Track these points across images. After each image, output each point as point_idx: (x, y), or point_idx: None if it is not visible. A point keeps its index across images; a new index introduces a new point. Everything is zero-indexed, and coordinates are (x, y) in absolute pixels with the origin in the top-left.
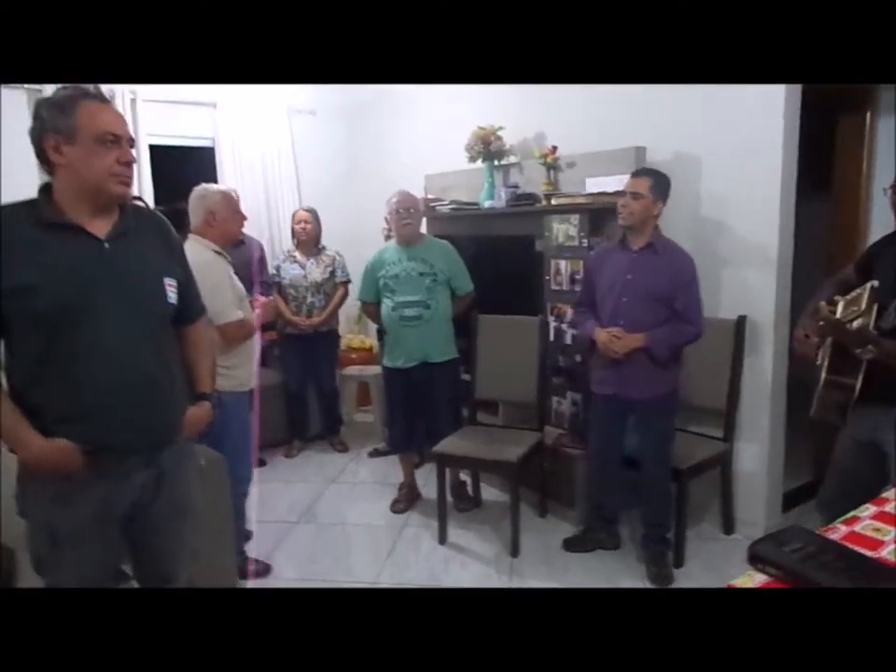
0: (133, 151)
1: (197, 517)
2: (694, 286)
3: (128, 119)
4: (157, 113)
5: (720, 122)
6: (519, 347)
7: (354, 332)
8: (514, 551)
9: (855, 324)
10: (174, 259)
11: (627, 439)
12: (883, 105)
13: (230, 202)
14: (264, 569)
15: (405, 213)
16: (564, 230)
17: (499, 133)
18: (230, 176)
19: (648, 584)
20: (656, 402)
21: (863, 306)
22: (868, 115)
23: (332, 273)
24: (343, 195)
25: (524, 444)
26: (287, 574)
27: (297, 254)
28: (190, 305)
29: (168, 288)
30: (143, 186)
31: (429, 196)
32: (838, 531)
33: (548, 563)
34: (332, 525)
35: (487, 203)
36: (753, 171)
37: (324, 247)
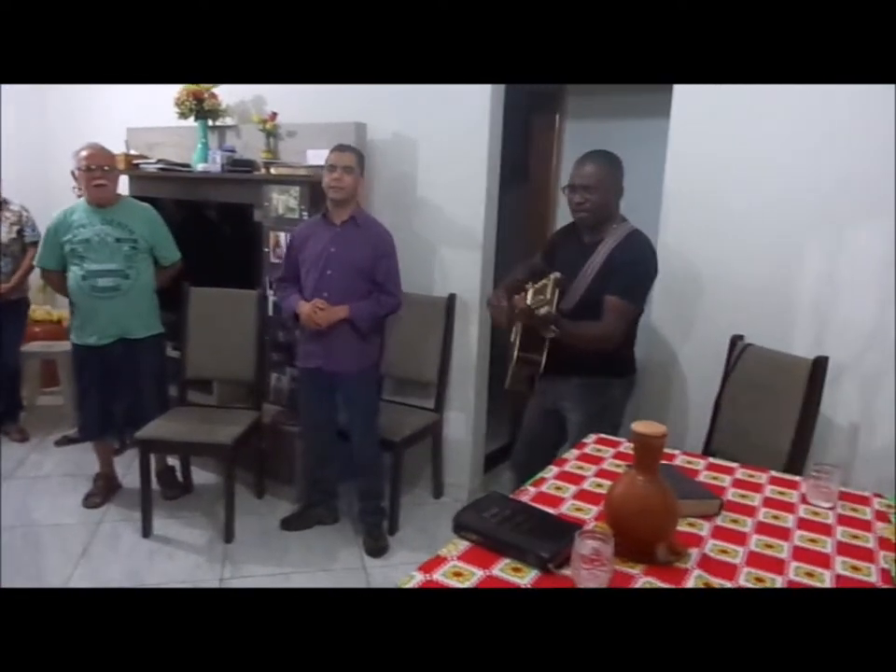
0: None
1: None
2: (393, 257)
3: None
4: None
5: (434, 107)
6: (235, 322)
7: (38, 303)
8: (228, 536)
9: (542, 311)
10: None
11: (336, 411)
12: (570, 109)
13: None
14: None
15: (98, 170)
16: (284, 201)
17: (214, 90)
18: None
19: (365, 556)
20: (359, 375)
21: (548, 295)
22: (557, 116)
23: (20, 233)
24: (28, 140)
25: (240, 424)
26: None
27: None
28: None
29: None
30: None
31: (132, 152)
32: (529, 493)
33: (266, 545)
34: (8, 528)
35: (200, 166)
36: (462, 156)
37: (6, 201)
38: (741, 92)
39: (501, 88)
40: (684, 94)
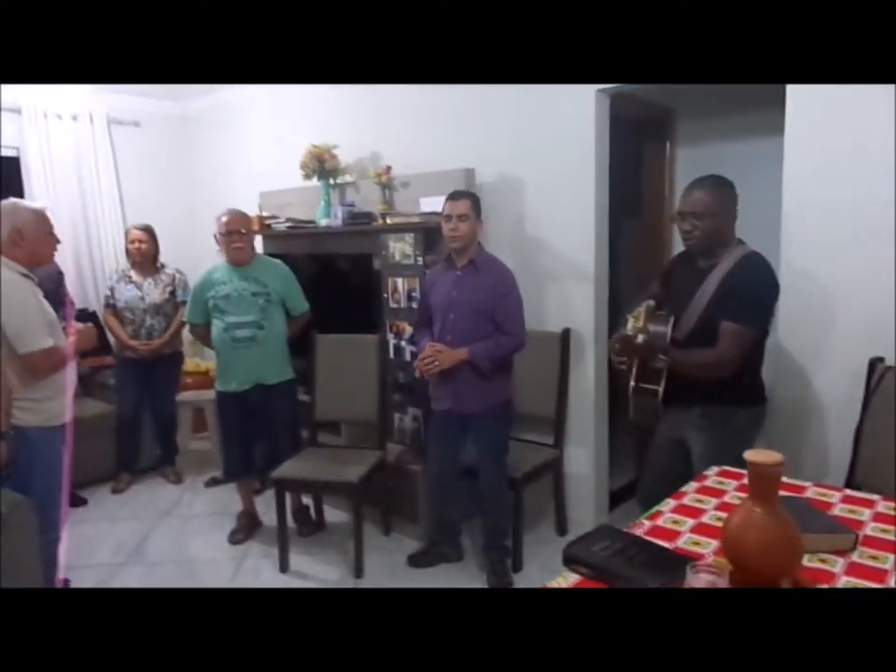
0: None
1: None
2: (513, 296)
3: None
4: None
5: (539, 146)
6: (358, 365)
7: (188, 356)
8: (358, 572)
9: (639, 339)
10: None
11: (465, 450)
12: (680, 135)
13: (41, 222)
14: None
15: (236, 235)
16: (400, 248)
17: (334, 151)
18: (39, 190)
19: None
20: (490, 413)
21: (641, 323)
22: (667, 144)
23: (173, 294)
24: (175, 212)
25: (365, 463)
26: None
27: (132, 274)
28: None
29: None
30: None
31: (265, 213)
32: (643, 526)
33: (393, 581)
34: (163, 563)
35: (324, 222)
36: (570, 192)
37: (163, 266)
38: (856, 101)
39: (606, 121)
40: (797, 109)
